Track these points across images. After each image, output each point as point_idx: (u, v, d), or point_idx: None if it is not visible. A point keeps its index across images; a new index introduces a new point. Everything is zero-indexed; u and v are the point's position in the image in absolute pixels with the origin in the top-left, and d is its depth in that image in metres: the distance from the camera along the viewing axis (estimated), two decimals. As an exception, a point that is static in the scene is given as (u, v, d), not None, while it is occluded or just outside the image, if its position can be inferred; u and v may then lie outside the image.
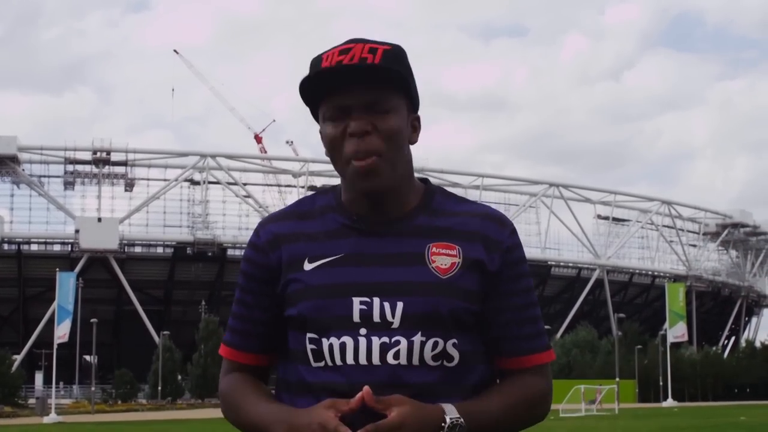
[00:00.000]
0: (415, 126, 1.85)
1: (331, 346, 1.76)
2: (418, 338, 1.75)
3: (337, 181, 1.92)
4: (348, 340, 1.75)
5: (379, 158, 1.75)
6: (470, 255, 1.81)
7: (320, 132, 1.83)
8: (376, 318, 1.76)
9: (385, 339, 1.75)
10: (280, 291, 1.84)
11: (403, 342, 1.75)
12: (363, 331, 1.75)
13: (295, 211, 1.90)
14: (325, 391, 1.76)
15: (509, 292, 1.85)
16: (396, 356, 1.75)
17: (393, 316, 1.76)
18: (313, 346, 1.79)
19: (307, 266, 1.81)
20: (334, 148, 1.78)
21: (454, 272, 1.79)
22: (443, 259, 1.80)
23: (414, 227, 1.82)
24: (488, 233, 1.83)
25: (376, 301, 1.76)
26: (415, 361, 1.76)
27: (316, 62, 1.80)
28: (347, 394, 1.72)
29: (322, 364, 1.78)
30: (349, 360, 1.75)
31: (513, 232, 1.87)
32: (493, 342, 1.87)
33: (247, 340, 1.91)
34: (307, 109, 1.83)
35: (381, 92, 1.77)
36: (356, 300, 1.77)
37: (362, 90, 1.76)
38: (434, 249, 1.80)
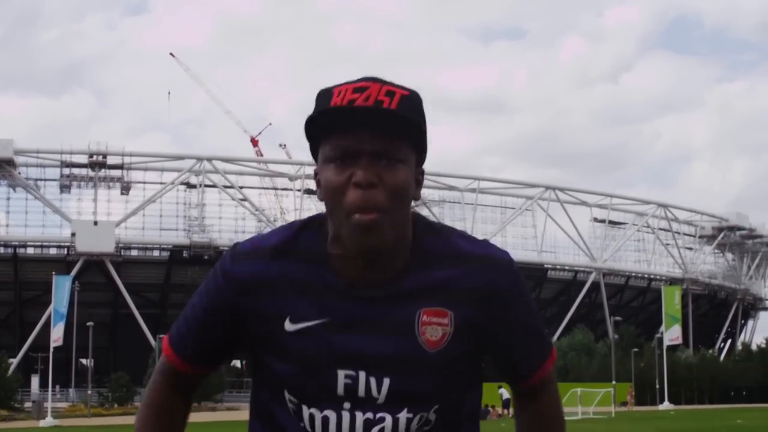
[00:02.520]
0: (419, 181, 1.72)
1: (312, 416, 1.71)
2: (404, 415, 1.70)
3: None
4: (331, 414, 1.70)
5: (381, 215, 1.61)
6: (464, 320, 1.72)
7: (316, 174, 1.69)
8: (361, 393, 1.69)
9: (369, 415, 1.69)
10: (252, 333, 1.75)
11: (388, 419, 1.69)
12: (347, 405, 1.69)
13: (276, 248, 1.74)
14: None
15: (512, 328, 1.79)
16: None
17: (379, 392, 1.69)
18: (293, 407, 1.73)
19: (289, 326, 1.71)
20: (334, 195, 1.63)
21: (443, 345, 1.71)
22: (434, 330, 1.70)
23: (406, 290, 1.71)
24: (486, 289, 1.73)
25: (362, 375, 1.69)
26: None
27: (326, 96, 1.65)
28: None
29: (300, 425, 1.72)
30: None
31: (513, 278, 1.76)
32: (505, 368, 1.86)
33: (185, 345, 1.85)
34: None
35: (393, 141, 1.63)
36: (341, 373, 1.69)
37: (373, 136, 1.62)
38: (425, 317, 1.70)
